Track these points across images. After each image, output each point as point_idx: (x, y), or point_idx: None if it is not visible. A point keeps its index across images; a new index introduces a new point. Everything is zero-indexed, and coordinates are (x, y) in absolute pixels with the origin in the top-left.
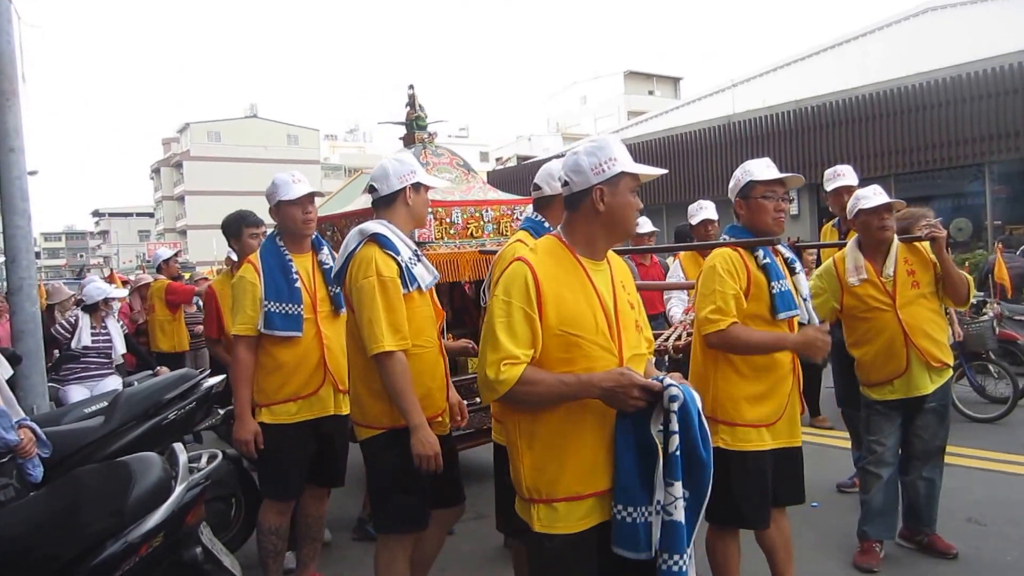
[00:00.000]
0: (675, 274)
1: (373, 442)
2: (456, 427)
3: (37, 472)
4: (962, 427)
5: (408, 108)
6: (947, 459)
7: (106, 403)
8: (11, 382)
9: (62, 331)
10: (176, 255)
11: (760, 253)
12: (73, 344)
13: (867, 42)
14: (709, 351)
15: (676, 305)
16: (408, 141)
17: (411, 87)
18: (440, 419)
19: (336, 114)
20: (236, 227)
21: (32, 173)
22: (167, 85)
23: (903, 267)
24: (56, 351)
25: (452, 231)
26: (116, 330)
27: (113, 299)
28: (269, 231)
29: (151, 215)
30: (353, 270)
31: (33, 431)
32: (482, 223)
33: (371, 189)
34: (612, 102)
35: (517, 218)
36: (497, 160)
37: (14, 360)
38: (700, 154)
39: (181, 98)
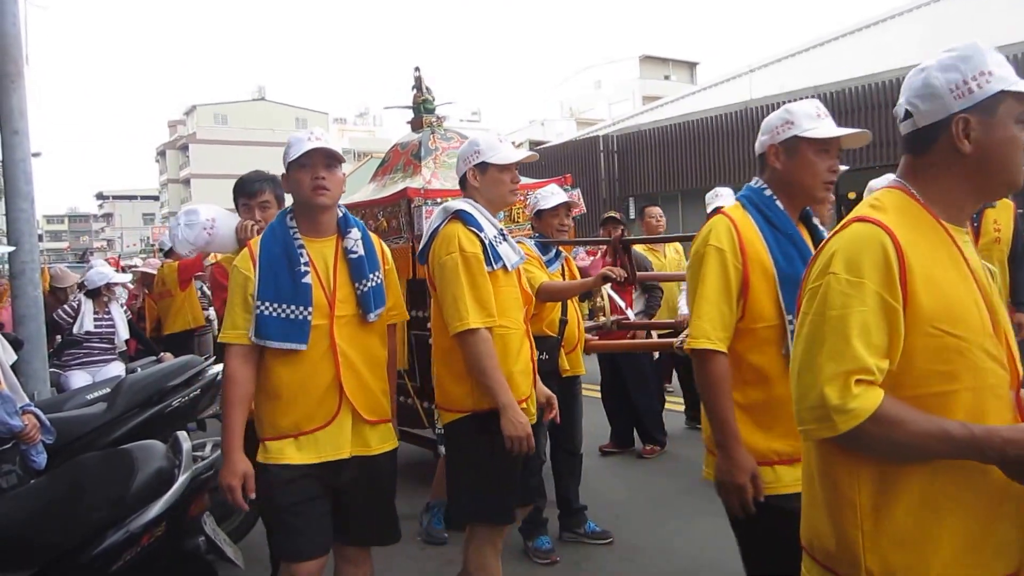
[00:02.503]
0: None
1: (455, 426)
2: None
3: (41, 459)
4: None
5: (415, 91)
6: None
7: (109, 390)
8: (14, 367)
9: (64, 316)
10: None
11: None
12: (75, 329)
13: (887, 27)
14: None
15: (685, 305)
16: (416, 125)
17: (417, 69)
18: (524, 406)
19: (346, 97)
20: (234, 195)
21: (35, 155)
22: (174, 67)
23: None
24: (58, 336)
25: None
26: (120, 316)
27: (116, 284)
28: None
29: (156, 198)
30: (436, 247)
31: (37, 417)
32: None
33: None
34: (627, 87)
35: (529, 204)
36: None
37: (16, 345)
38: (717, 140)
39: (188, 80)
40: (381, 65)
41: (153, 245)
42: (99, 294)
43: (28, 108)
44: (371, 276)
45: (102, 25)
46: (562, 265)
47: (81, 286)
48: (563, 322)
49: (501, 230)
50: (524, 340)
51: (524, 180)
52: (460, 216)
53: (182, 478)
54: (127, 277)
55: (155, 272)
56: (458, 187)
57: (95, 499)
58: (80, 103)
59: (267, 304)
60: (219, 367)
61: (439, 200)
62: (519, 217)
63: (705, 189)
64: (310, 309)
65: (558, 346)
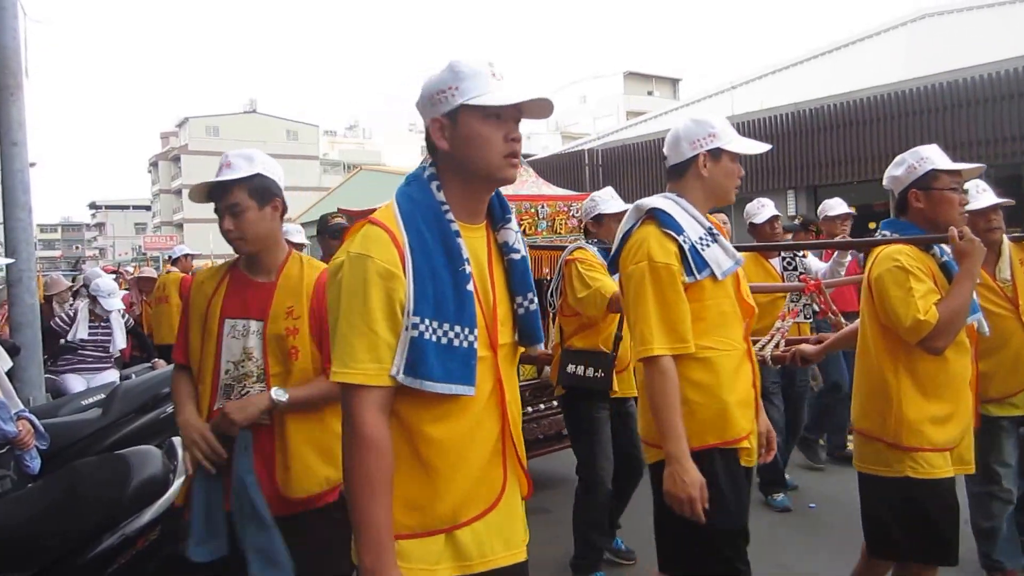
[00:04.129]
0: None
1: (657, 468)
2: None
3: (35, 464)
4: None
5: None
6: None
7: (104, 395)
8: (9, 373)
9: (61, 323)
10: (194, 255)
11: (937, 251)
12: (70, 336)
13: (865, 46)
14: (894, 364)
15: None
16: None
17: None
18: (745, 444)
19: (336, 110)
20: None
21: (31, 165)
22: (166, 79)
23: (1021, 269)
24: (62, 340)
25: None
26: (118, 325)
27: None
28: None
29: (148, 208)
30: (625, 255)
31: (31, 423)
32: (536, 220)
33: (666, 157)
34: (611, 102)
35: (573, 215)
36: None
37: (13, 351)
38: None
39: (180, 92)
40: (370, 79)
41: (145, 254)
42: (97, 302)
43: (27, 119)
44: (534, 289)
45: (97, 38)
46: None
47: (76, 293)
48: (618, 337)
49: (710, 229)
50: (743, 363)
51: (565, 192)
52: (654, 216)
53: (177, 483)
54: (121, 293)
55: (155, 276)
56: (511, 192)
57: (91, 503)
58: (74, 114)
59: (426, 323)
60: None
61: None
62: (561, 228)
63: None
64: (476, 333)
65: (613, 364)
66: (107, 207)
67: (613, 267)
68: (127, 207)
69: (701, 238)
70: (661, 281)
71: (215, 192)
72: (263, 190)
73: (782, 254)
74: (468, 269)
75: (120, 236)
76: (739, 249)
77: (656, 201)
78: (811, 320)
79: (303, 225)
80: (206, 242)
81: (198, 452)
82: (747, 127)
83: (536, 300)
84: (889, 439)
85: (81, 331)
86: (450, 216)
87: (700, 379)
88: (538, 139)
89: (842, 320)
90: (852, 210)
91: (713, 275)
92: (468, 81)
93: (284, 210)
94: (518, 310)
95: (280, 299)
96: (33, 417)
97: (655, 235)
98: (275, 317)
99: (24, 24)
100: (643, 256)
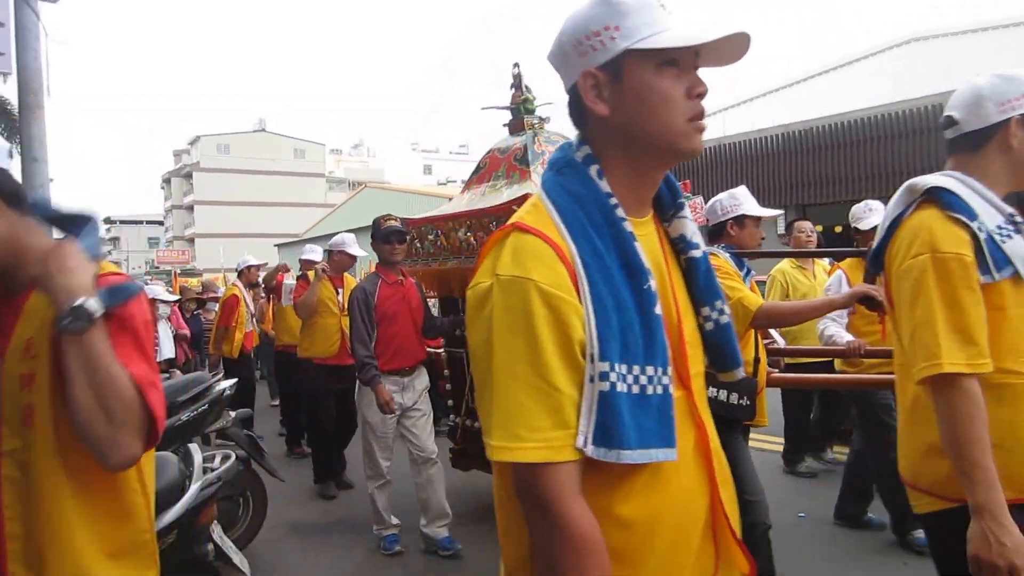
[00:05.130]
0: (838, 288)
1: (938, 521)
2: None
3: None
4: None
5: (514, 90)
6: None
7: None
8: None
9: None
10: (259, 265)
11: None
12: None
13: (854, 69)
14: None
15: (833, 327)
16: (515, 128)
17: (516, 66)
18: None
19: (341, 129)
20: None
21: (50, 181)
22: (179, 99)
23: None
24: None
25: None
26: (166, 334)
27: (162, 302)
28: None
29: (160, 223)
30: (896, 246)
31: None
32: None
33: (948, 123)
34: None
35: (724, 206)
36: None
37: None
38: (692, 174)
39: (193, 112)
40: (375, 99)
41: (157, 268)
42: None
43: (47, 137)
44: (722, 295)
45: (113, 59)
46: (750, 283)
47: None
48: (756, 360)
49: (1011, 215)
50: None
51: None
52: (937, 197)
53: (193, 488)
54: (175, 297)
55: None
56: None
57: None
58: (91, 132)
59: (616, 369)
60: (226, 383)
61: None
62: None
63: None
64: (670, 373)
65: (756, 389)
66: (121, 222)
67: (876, 264)
68: (140, 222)
69: (1000, 227)
70: (951, 276)
71: None
72: None
73: None
74: (653, 285)
75: (134, 250)
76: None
77: (936, 179)
78: None
79: (311, 241)
80: (216, 256)
81: None
82: (738, 148)
83: (727, 310)
84: None
85: None
86: (620, 213)
87: (997, 415)
88: None
89: None
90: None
91: (1017, 275)
92: (633, 17)
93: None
94: (706, 325)
95: (22, 327)
96: None
97: (939, 220)
98: (12, 353)
99: (45, 44)
100: (924, 246)
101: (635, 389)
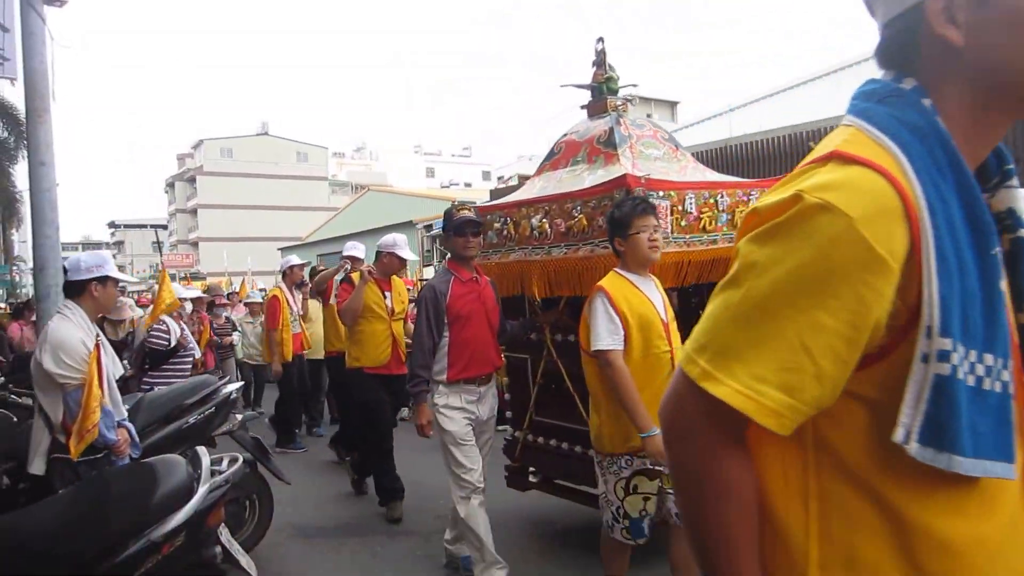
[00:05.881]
0: None
1: None
2: None
3: None
4: None
5: (596, 69)
6: None
7: (129, 407)
8: None
9: (156, 339)
10: (302, 265)
11: None
12: (172, 341)
13: (862, 69)
14: None
15: None
16: (595, 111)
17: (600, 40)
18: None
19: (344, 133)
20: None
21: (56, 185)
22: (183, 103)
23: None
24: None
25: (684, 223)
26: (187, 333)
27: (185, 299)
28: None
29: (165, 227)
30: None
31: (129, 432)
32: (716, 212)
33: None
34: None
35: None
36: (499, 179)
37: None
38: None
39: (196, 115)
40: (377, 103)
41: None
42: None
43: (54, 141)
44: None
45: (116, 64)
46: None
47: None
48: None
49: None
50: None
51: (735, 179)
52: None
53: (201, 491)
54: (198, 292)
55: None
56: (677, 178)
57: (118, 509)
58: (95, 136)
59: (959, 351)
60: (233, 386)
61: (661, 193)
62: (740, 223)
63: None
64: (1011, 366)
65: None
66: (126, 226)
67: None
68: (144, 226)
69: None
70: None
71: None
72: None
73: None
74: (1000, 252)
75: (138, 254)
76: None
77: None
78: None
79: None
80: (220, 260)
81: None
82: (745, 149)
83: None
84: None
85: (178, 334)
86: (962, 163)
87: None
88: (540, 161)
89: None
90: None
91: None
92: None
93: None
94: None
95: None
96: (131, 426)
97: None
98: None
99: (51, 49)
100: None
101: (970, 380)
